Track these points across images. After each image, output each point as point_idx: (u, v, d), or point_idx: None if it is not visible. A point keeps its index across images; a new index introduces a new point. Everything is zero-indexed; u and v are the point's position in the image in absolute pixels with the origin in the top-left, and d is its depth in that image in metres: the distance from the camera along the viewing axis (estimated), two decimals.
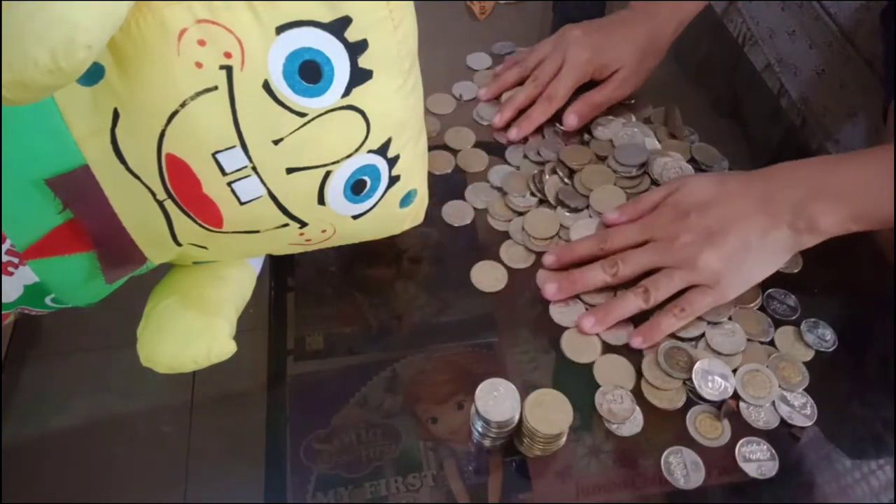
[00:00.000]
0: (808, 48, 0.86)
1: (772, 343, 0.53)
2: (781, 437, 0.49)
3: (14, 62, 0.28)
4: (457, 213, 0.62)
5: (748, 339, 0.53)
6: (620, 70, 0.66)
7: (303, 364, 0.53)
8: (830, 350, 0.53)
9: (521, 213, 0.61)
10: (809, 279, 0.57)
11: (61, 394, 0.52)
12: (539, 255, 0.58)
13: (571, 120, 0.65)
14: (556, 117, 0.67)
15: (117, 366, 0.52)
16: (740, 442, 0.48)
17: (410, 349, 0.53)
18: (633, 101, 0.71)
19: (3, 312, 0.45)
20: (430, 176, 0.56)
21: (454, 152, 0.66)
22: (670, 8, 0.68)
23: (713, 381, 0.50)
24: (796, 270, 0.58)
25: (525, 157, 0.65)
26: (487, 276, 0.57)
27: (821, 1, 0.84)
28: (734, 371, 0.51)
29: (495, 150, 0.66)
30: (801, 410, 0.50)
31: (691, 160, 0.64)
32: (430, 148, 0.55)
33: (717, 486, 0.47)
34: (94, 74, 0.36)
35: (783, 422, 0.49)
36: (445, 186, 0.63)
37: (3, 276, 0.41)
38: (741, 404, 0.50)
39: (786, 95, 0.90)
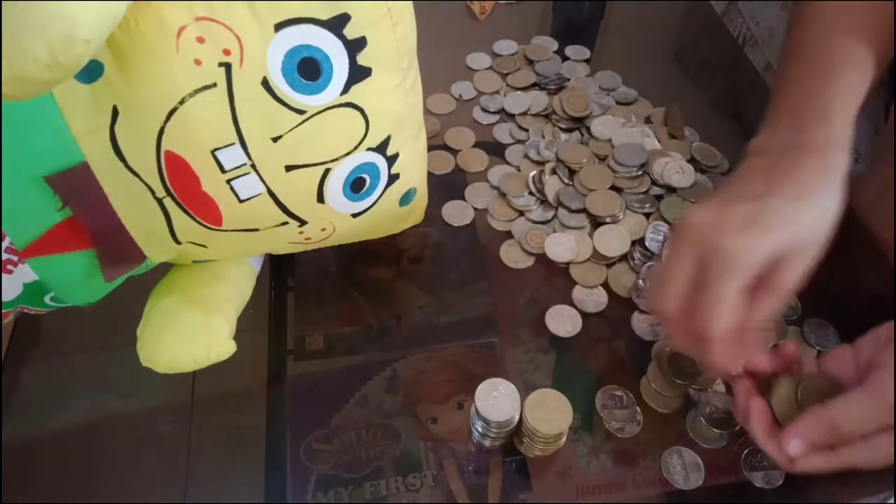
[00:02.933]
0: None
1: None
2: None
3: (13, 57, 0.28)
4: (457, 213, 0.62)
5: None
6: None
7: (303, 364, 0.53)
8: None
9: (521, 213, 0.61)
10: (810, 280, 0.57)
11: (61, 394, 0.52)
12: (536, 256, 0.58)
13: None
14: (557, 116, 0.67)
15: (117, 366, 0.52)
16: (746, 451, 0.48)
17: (410, 349, 0.53)
18: (633, 102, 0.71)
19: (2, 311, 0.45)
20: (430, 176, 0.56)
21: (454, 152, 0.66)
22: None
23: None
24: None
25: (525, 157, 0.65)
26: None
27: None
28: None
29: (495, 150, 0.66)
30: None
31: (691, 160, 0.64)
32: (430, 148, 0.55)
33: (716, 487, 0.47)
34: (93, 72, 0.36)
35: None
36: (445, 186, 0.63)
37: (3, 275, 0.42)
38: None
39: None
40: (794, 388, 0.43)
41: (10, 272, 0.42)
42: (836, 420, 0.40)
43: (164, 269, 0.50)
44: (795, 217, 0.41)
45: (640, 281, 0.56)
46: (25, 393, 0.52)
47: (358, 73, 0.40)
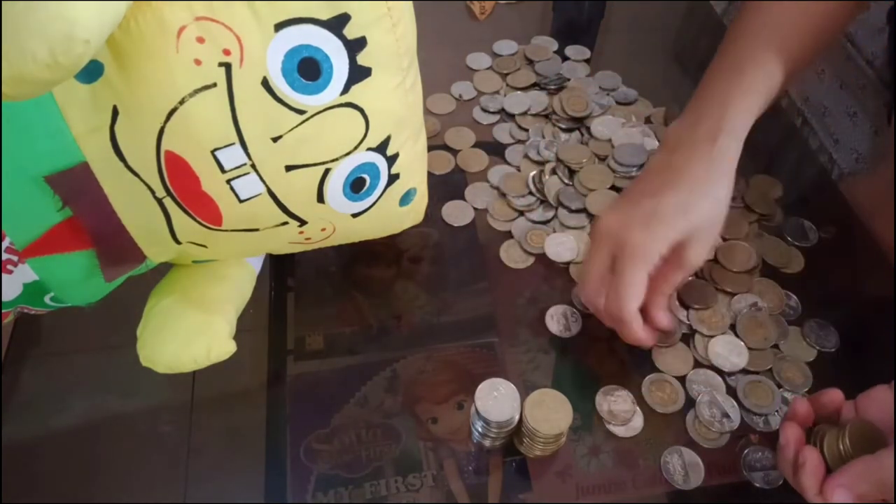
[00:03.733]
0: None
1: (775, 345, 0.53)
2: None
3: (12, 57, 0.28)
4: (457, 213, 0.62)
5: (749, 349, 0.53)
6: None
7: (303, 364, 0.53)
8: (833, 350, 0.53)
9: (521, 213, 0.61)
10: (810, 280, 0.57)
11: (61, 394, 0.52)
12: (536, 256, 0.58)
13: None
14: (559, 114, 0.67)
15: (117, 366, 0.52)
16: (746, 451, 0.48)
17: (410, 349, 0.53)
18: (633, 102, 0.71)
19: (2, 311, 0.45)
20: (430, 176, 0.56)
21: (454, 152, 0.66)
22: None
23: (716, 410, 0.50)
24: (797, 270, 0.58)
25: (525, 157, 0.65)
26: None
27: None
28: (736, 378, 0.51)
29: (495, 150, 0.66)
30: None
31: None
32: (430, 148, 0.55)
33: (716, 487, 0.47)
34: (93, 72, 0.36)
35: None
36: (445, 186, 0.63)
37: (3, 275, 0.41)
38: (742, 412, 0.50)
39: (786, 95, 0.90)
40: (837, 436, 0.42)
41: (10, 272, 0.42)
42: (885, 474, 0.39)
43: (164, 269, 0.50)
44: (689, 208, 0.47)
45: None
46: (25, 393, 0.52)
47: (358, 73, 0.40)
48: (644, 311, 0.48)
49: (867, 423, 0.42)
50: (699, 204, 0.47)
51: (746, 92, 0.50)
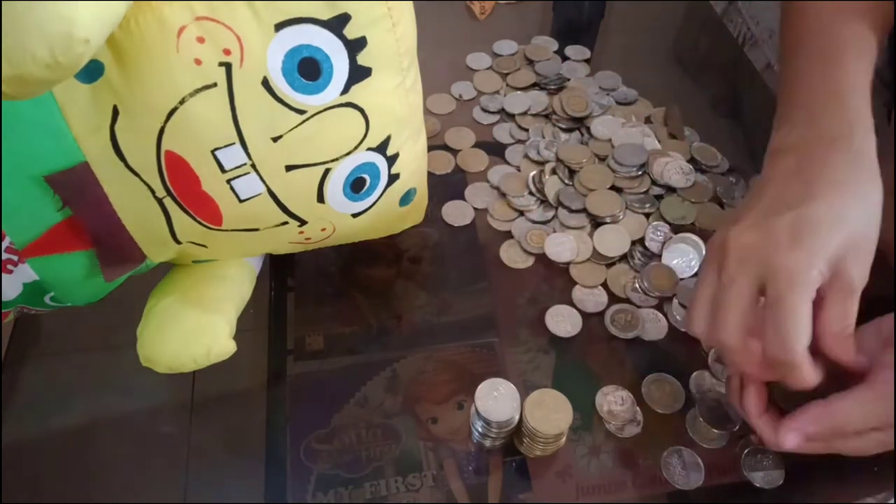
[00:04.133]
0: None
1: None
2: None
3: (12, 56, 0.28)
4: (457, 213, 0.62)
5: None
6: None
7: (303, 364, 0.52)
8: None
9: (521, 213, 0.61)
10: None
11: (61, 394, 0.52)
12: (536, 256, 0.58)
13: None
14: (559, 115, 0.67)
15: (117, 366, 0.52)
16: (746, 451, 0.48)
17: (410, 349, 0.53)
18: (633, 102, 0.71)
19: (2, 311, 0.45)
20: (430, 176, 0.56)
21: (454, 152, 0.66)
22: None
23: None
24: None
25: (525, 157, 0.65)
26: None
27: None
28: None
29: (495, 150, 0.66)
30: None
31: (691, 160, 0.64)
32: (430, 148, 0.55)
33: (716, 487, 0.47)
34: (93, 72, 0.36)
35: None
36: (445, 186, 0.63)
37: (3, 275, 0.41)
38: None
39: None
40: None
41: (10, 272, 0.42)
42: (838, 418, 0.39)
43: (164, 269, 0.50)
44: (843, 216, 0.39)
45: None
46: (25, 393, 0.52)
47: (358, 73, 0.40)
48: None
49: (830, 362, 0.41)
50: (853, 211, 0.39)
51: (857, 74, 0.44)
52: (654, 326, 0.54)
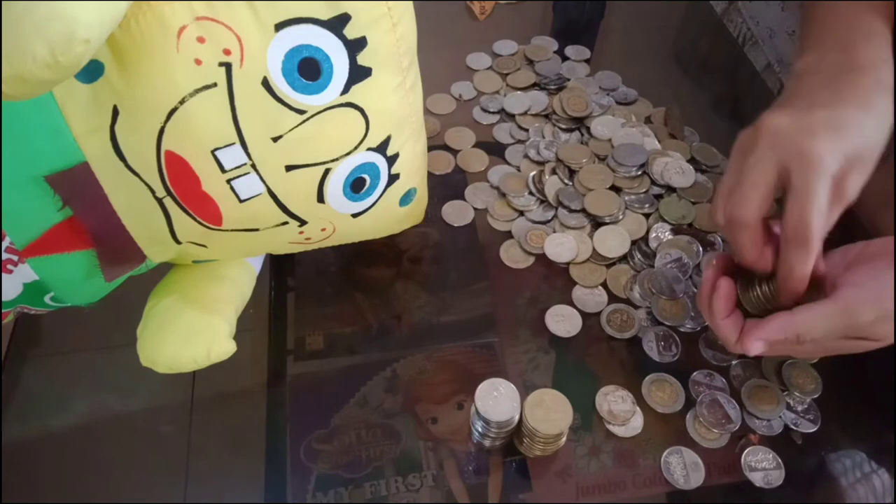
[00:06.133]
0: None
1: None
2: (787, 443, 0.49)
3: (13, 56, 0.28)
4: (457, 213, 0.62)
5: None
6: None
7: (303, 364, 0.53)
8: None
9: (521, 213, 0.61)
10: None
11: (61, 394, 0.52)
12: (536, 256, 0.58)
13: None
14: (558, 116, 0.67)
15: (117, 365, 0.52)
16: (746, 451, 0.48)
17: (410, 349, 0.53)
18: (633, 102, 0.71)
19: (2, 311, 0.45)
20: (430, 176, 0.56)
21: (454, 152, 0.66)
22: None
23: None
24: None
25: (525, 157, 0.65)
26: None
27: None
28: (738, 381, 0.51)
29: (495, 150, 0.66)
30: (806, 416, 0.50)
31: (691, 160, 0.64)
32: (430, 148, 0.55)
33: (716, 487, 0.47)
34: (93, 72, 0.36)
35: (786, 427, 0.49)
36: (445, 186, 0.63)
37: (3, 274, 0.41)
38: (745, 414, 0.50)
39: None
40: (767, 280, 0.44)
41: (11, 272, 0.42)
42: (801, 329, 0.42)
43: (164, 269, 0.50)
44: (865, 126, 0.42)
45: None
46: (25, 393, 0.52)
47: (358, 73, 0.40)
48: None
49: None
50: (871, 124, 0.43)
51: (881, 25, 0.47)
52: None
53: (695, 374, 0.52)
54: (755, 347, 0.43)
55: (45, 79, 0.30)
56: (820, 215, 0.40)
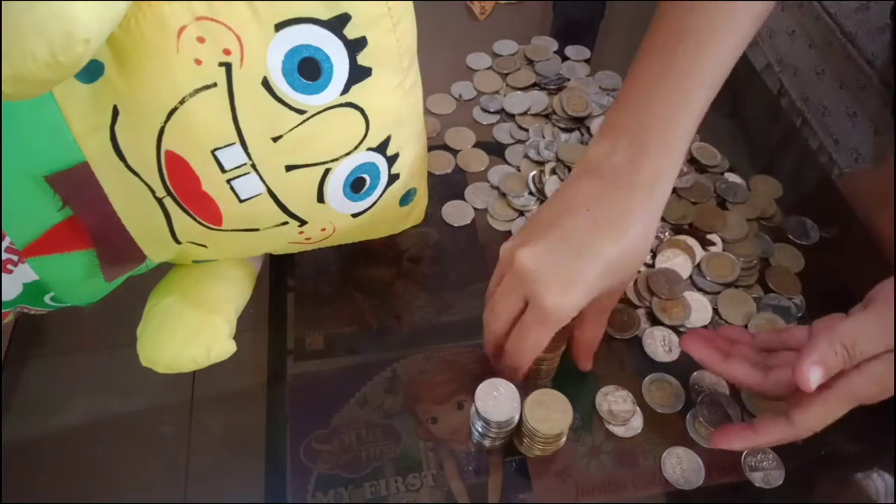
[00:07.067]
0: (808, 48, 0.86)
1: None
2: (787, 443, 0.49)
3: (12, 56, 0.28)
4: (457, 213, 0.62)
5: None
6: None
7: (303, 364, 0.52)
8: None
9: (521, 213, 0.61)
10: (809, 280, 0.57)
11: (61, 393, 0.52)
12: None
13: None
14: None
15: (117, 365, 0.52)
16: (746, 451, 0.48)
17: (410, 349, 0.53)
18: None
19: (3, 311, 0.45)
20: (430, 176, 0.56)
21: (454, 152, 0.66)
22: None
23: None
24: (797, 270, 0.58)
25: (525, 156, 0.65)
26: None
27: (821, 1, 0.84)
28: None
29: (495, 150, 0.66)
30: None
31: (691, 160, 0.64)
32: (430, 148, 0.55)
33: (716, 487, 0.47)
34: (93, 72, 0.36)
35: None
36: (445, 186, 0.63)
37: (3, 274, 0.41)
38: (745, 415, 0.50)
39: (786, 95, 0.90)
40: None
41: (11, 272, 0.42)
42: (847, 339, 0.40)
43: (164, 269, 0.50)
44: (620, 263, 0.43)
45: None
46: (25, 393, 0.52)
47: (358, 73, 0.40)
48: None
49: None
50: (629, 258, 0.44)
51: (683, 117, 0.44)
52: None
53: (695, 374, 0.52)
54: (814, 374, 0.40)
55: (45, 79, 0.30)
56: (530, 354, 0.45)
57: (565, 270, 0.43)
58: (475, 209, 0.62)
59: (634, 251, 0.44)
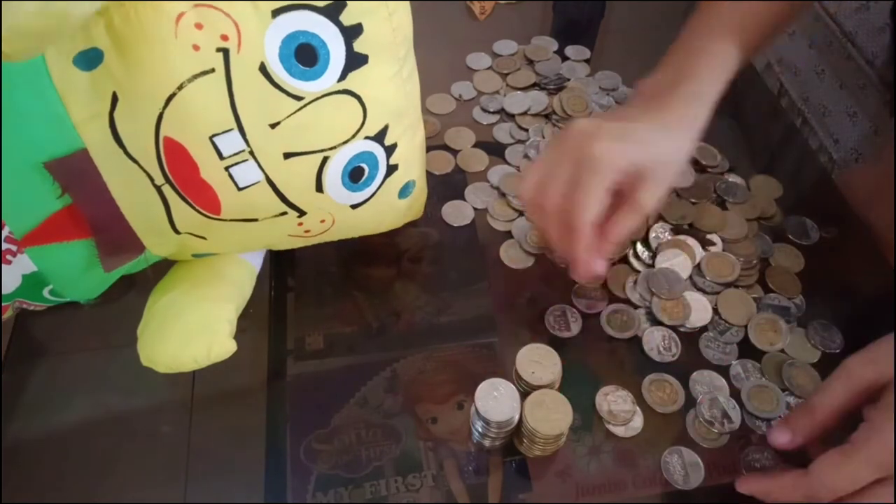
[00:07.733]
0: (808, 48, 0.86)
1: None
2: None
3: (5, 11, 0.29)
4: (457, 213, 0.62)
5: None
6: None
7: (303, 364, 0.52)
8: (838, 352, 0.53)
9: (521, 213, 0.61)
10: (809, 280, 0.57)
11: (62, 393, 0.52)
12: (536, 256, 0.58)
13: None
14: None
15: (118, 365, 0.52)
16: (746, 451, 0.48)
17: (410, 349, 0.53)
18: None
19: (2, 305, 0.45)
20: (430, 176, 0.56)
21: (454, 152, 0.66)
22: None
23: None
24: (797, 270, 0.58)
25: (525, 157, 0.65)
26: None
27: (821, 1, 0.84)
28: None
29: (495, 150, 0.66)
30: None
31: (691, 160, 0.64)
32: (430, 148, 0.55)
33: (716, 487, 0.47)
34: (92, 59, 0.36)
35: None
36: (445, 186, 0.63)
37: (3, 265, 0.41)
38: (745, 415, 0.50)
39: (786, 95, 0.90)
40: None
41: (10, 262, 0.42)
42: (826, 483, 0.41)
43: (164, 268, 0.50)
44: (654, 141, 0.48)
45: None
46: (25, 393, 0.52)
47: (355, 60, 0.41)
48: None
49: None
50: (664, 142, 0.49)
51: (714, 69, 0.52)
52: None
53: (695, 374, 0.52)
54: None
55: (37, 30, 0.30)
56: (590, 207, 0.46)
57: (616, 128, 0.48)
58: (475, 209, 0.62)
59: (677, 150, 0.49)
